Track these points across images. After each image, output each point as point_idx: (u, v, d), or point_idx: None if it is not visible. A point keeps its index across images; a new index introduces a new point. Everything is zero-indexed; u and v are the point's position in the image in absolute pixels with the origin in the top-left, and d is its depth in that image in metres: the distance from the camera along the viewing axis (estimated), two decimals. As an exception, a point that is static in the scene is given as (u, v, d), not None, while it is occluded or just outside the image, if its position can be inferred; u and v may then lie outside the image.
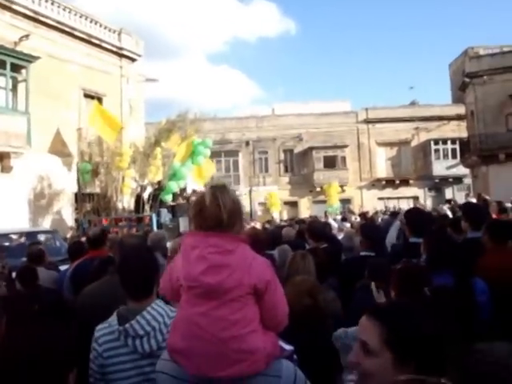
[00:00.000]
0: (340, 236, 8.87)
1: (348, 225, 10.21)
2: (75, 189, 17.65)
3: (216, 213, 2.04)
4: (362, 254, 5.03)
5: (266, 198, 31.42)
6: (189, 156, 16.04)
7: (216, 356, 1.93)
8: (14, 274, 5.41)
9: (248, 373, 1.93)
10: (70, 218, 17.92)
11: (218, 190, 2.10)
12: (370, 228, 5.25)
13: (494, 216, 6.97)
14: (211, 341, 1.94)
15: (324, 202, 32.55)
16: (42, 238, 11.75)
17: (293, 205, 35.30)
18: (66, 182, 17.56)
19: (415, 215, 4.70)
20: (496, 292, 3.45)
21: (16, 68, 16.17)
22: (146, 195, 16.09)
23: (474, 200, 13.38)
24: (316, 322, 2.88)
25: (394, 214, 8.67)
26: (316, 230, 5.41)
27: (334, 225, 10.65)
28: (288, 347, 2.18)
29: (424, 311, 1.54)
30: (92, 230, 5.88)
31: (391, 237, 5.51)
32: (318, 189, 34.37)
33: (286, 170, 36.37)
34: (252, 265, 2.01)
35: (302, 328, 2.78)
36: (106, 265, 3.64)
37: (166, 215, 16.22)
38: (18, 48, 16.41)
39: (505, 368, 2.02)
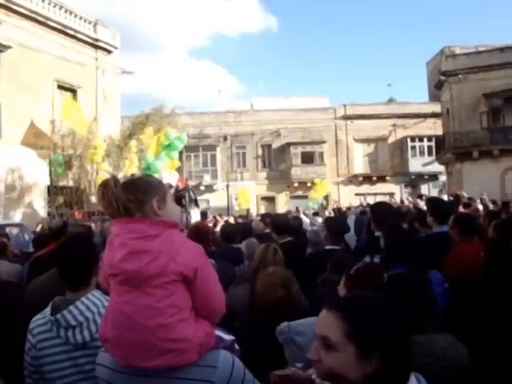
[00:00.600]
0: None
1: (320, 220, 10.22)
2: (48, 181, 17.35)
3: (124, 195, 2.00)
4: (327, 247, 5.03)
5: (237, 194, 31.18)
6: (162, 149, 15.86)
7: (144, 346, 1.87)
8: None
9: (178, 363, 1.87)
10: (42, 211, 17.62)
11: (110, 182, 2.05)
12: (335, 222, 5.24)
13: (461, 210, 7.04)
14: (138, 330, 1.88)
15: (302, 197, 32.63)
16: (11, 231, 11.54)
17: (270, 200, 35.32)
18: (39, 175, 17.24)
19: (379, 209, 4.69)
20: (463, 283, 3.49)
21: (-14, 57, 15.83)
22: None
23: (445, 197, 13.52)
24: (290, 313, 2.84)
25: (364, 213, 8.73)
26: (279, 223, 5.37)
27: (306, 220, 10.65)
28: (228, 337, 2.13)
29: (385, 301, 1.48)
30: (53, 222, 5.76)
31: (350, 232, 5.51)
32: (296, 184, 34.44)
33: (264, 166, 36.32)
34: (179, 251, 1.94)
35: (277, 319, 2.74)
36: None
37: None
38: (-11, 37, 16.06)
39: (443, 358, 2.02)
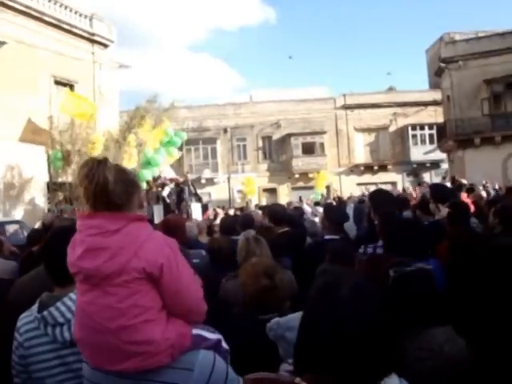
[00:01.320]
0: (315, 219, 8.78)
1: (321, 209, 10.11)
2: (47, 178, 17.26)
3: (96, 191, 1.83)
4: (326, 237, 4.93)
5: (242, 183, 31.21)
6: (161, 145, 15.85)
7: (109, 348, 1.77)
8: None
9: (147, 366, 1.76)
10: (42, 208, 17.54)
11: (97, 165, 1.86)
12: (334, 211, 5.14)
13: (463, 198, 6.92)
14: (101, 331, 1.78)
15: (303, 188, 32.57)
16: (9, 228, 11.50)
17: (272, 192, 35.23)
18: (38, 171, 17.15)
19: (380, 197, 4.58)
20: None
21: (-19, 54, 15.69)
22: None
23: (448, 184, 13.38)
24: (275, 303, 2.75)
25: (363, 201, 8.61)
26: (275, 213, 5.27)
27: (308, 209, 10.55)
28: (212, 336, 2.02)
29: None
30: (46, 217, 5.67)
31: (349, 222, 5.41)
32: (297, 175, 34.32)
33: (265, 157, 36.22)
34: (142, 246, 1.80)
35: (261, 309, 2.67)
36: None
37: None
38: (-16, 33, 15.91)
39: (440, 353, 1.94)
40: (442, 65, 28.00)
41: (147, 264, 1.77)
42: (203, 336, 1.98)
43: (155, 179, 17.64)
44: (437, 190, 4.96)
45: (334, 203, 12.39)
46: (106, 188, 1.83)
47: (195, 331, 1.94)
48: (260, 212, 8.14)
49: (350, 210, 7.00)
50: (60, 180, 17.10)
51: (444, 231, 4.13)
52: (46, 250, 2.43)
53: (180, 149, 33.14)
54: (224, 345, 2.06)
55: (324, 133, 34.96)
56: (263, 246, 3.69)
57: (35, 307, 2.29)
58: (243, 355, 2.19)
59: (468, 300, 2.50)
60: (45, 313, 2.21)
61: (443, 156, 31.38)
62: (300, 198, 19.67)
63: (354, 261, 3.88)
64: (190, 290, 1.92)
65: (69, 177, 17.55)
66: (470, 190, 8.80)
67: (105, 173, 1.84)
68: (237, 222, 6.19)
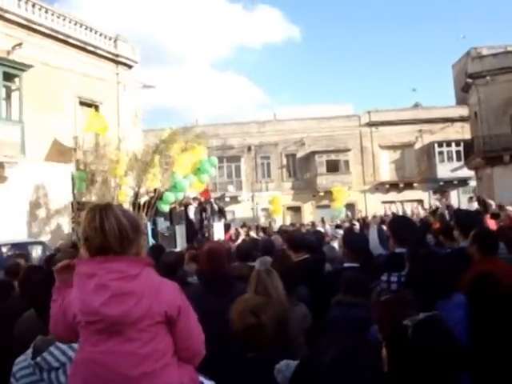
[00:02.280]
0: (334, 244, 8.59)
1: (341, 232, 9.91)
2: (71, 198, 17.43)
3: (100, 239, 1.77)
4: (345, 265, 4.76)
5: (269, 201, 31.07)
6: (193, 172, 16.00)
7: None
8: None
9: None
10: (66, 228, 17.70)
11: (101, 212, 1.83)
12: (353, 239, 4.96)
13: (488, 222, 6.64)
14: (119, 381, 1.68)
15: (328, 206, 32.26)
16: (32, 249, 11.58)
17: (296, 210, 35.04)
18: (63, 192, 17.34)
19: (399, 224, 4.40)
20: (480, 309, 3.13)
21: (9, 77, 16.00)
22: (142, 203, 15.90)
23: (475, 204, 13.01)
24: (261, 341, 2.60)
25: (383, 222, 8.39)
26: (295, 240, 5.12)
27: (329, 232, 10.35)
28: (209, 382, 1.99)
29: None
30: (62, 243, 5.61)
31: (374, 243, 5.22)
32: (322, 193, 34.07)
33: (289, 175, 36.11)
34: (160, 290, 1.78)
35: (249, 348, 2.58)
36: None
37: (162, 223, 16.01)
38: (11, 57, 16.23)
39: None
40: (469, 80, 27.58)
41: (168, 307, 1.77)
42: (202, 381, 1.96)
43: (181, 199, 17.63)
44: (461, 217, 4.72)
45: (358, 225, 12.12)
46: (122, 233, 1.81)
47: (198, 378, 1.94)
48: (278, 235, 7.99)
49: (373, 230, 6.80)
50: (84, 200, 17.24)
51: (470, 260, 3.90)
52: (37, 296, 2.33)
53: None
54: None
55: (348, 150, 34.71)
56: (274, 279, 3.57)
57: (29, 352, 2.20)
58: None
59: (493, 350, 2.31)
60: (38, 359, 2.14)
61: (471, 173, 30.75)
62: (322, 219, 19.35)
63: (369, 291, 3.72)
64: (198, 332, 1.92)
65: (93, 197, 17.71)
66: (496, 215, 8.41)
67: (118, 218, 1.82)
68: (255, 248, 6.07)
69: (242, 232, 14.78)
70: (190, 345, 1.86)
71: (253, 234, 13.78)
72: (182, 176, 16.14)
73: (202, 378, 1.96)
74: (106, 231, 1.78)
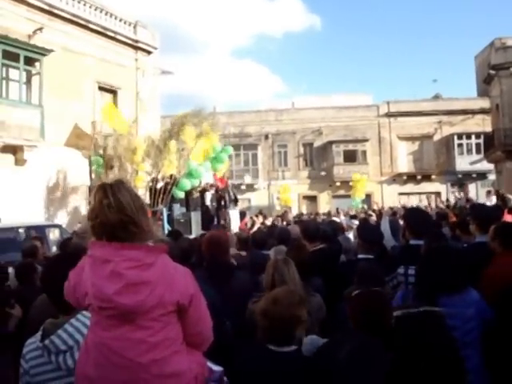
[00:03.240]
0: (349, 234, 8.55)
1: (357, 222, 9.85)
2: (89, 182, 17.61)
3: (116, 215, 1.75)
4: (360, 256, 4.74)
5: (280, 190, 30.97)
6: (208, 160, 16.04)
7: (137, 383, 1.69)
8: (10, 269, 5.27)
9: None
10: (83, 212, 17.90)
11: (114, 188, 1.80)
12: (367, 230, 4.93)
13: (506, 215, 6.55)
14: (129, 367, 1.70)
15: (344, 196, 32.14)
16: (49, 232, 11.71)
17: (312, 199, 34.95)
18: (81, 176, 17.53)
19: (414, 216, 4.37)
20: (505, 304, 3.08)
21: (30, 61, 16.14)
22: (158, 188, 16.01)
23: (494, 199, 12.84)
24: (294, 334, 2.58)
25: (395, 214, 8.32)
26: (309, 230, 5.11)
27: (344, 222, 10.30)
28: (217, 368, 1.99)
29: None
30: (80, 226, 5.66)
31: (386, 235, 5.18)
32: (338, 183, 33.93)
33: (306, 164, 35.97)
34: (174, 278, 1.77)
35: (274, 340, 2.48)
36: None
37: (178, 210, 16.09)
38: (33, 41, 16.36)
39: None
40: (492, 72, 27.08)
41: (181, 296, 1.76)
42: (210, 367, 1.96)
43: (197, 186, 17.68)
44: (478, 211, 4.66)
45: (375, 216, 12.03)
46: (137, 207, 1.80)
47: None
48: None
49: (385, 222, 6.76)
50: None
51: (490, 256, 3.83)
52: (45, 280, 2.36)
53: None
54: (225, 377, 2.04)
55: (366, 140, 34.44)
56: (291, 268, 3.55)
57: (39, 335, 2.24)
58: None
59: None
60: (46, 341, 2.16)
61: (490, 166, 30.33)
62: (337, 209, 19.16)
63: (384, 283, 3.69)
64: (208, 318, 1.93)
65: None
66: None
67: (132, 192, 1.83)
68: (270, 236, 6.08)
69: (257, 221, 14.77)
70: (200, 331, 1.87)
71: (268, 222, 13.74)
72: (197, 163, 16.20)
73: (210, 364, 1.97)
74: (122, 206, 1.76)
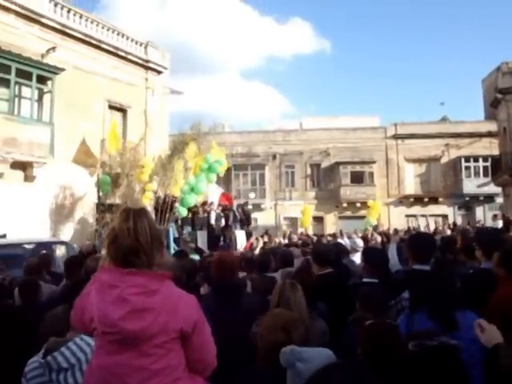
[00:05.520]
0: (354, 257, 8.54)
1: (362, 244, 9.84)
2: (96, 199, 17.70)
3: (132, 240, 1.80)
4: (365, 280, 4.73)
5: (301, 211, 30.78)
6: (202, 171, 16.02)
7: None
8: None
9: None
10: (90, 229, 17.96)
11: (135, 214, 1.84)
12: (373, 253, 4.93)
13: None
14: None
15: (350, 217, 32.09)
16: (55, 248, 11.74)
17: (319, 220, 34.83)
18: (88, 192, 17.64)
19: (417, 241, 4.37)
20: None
21: (42, 79, 16.39)
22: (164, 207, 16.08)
23: (500, 223, 12.78)
24: None
25: (404, 241, 8.28)
26: (321, 254, 5.03)
27: (348, 244, 10.28)
28: None
29: None
30: (84, 245, 5.70)
31: (393, 260, 5.18)
32: (345, 204, 33.87)
33: (313, 185, 35.97)
34: (178, 305, 1.78)
35: (275, 364, 2.51)
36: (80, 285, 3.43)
37: (184, 229, 16.11)
38: (45, 60, 16.65)
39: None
40: (499, 95, 27.16)
41: (184, 323, 1.77)
42: None
43: (203, 204, 17.73)
44: (483, 236, 4.66)
45: (380, 238, 12.00)
46: (152, 237, 1.83)
47: None
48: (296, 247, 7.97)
49: (393, 247, 6.75)
50: (108, 202, 17.52)
51: (496, 282, 3.82)
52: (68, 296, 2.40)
53: (228, 174, 33.64)
54: None
55: (373, 162, 34.45)
56: (298, 293, 3.53)
57: (41, 353, 2.26)
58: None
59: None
60: (48, 358, 2.18)
61: (498, 190, 30.18)
62: (341, 231, 19.01)
63: (386, 308, 3.69)
64: (211, 345, 1.92)
65: (117, 199, 17.96)
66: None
67: (151, 222, 1.85)
68: (273, 258, 6.05)
69: (261, 241, 14.73)
70: (203, 357, 1.86)
71: (277, 241, 13.62)
72: (195, 179, 16.27)
73: None
74: (138, 232, 1.80)
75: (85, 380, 1.89)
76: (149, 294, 1.75)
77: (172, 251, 11.74)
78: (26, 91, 16.12)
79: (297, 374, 2.13)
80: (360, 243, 10.37)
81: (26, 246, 10.95)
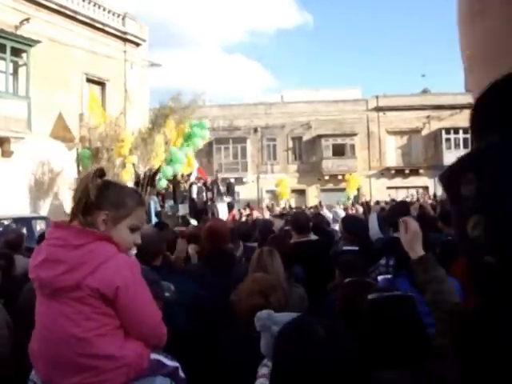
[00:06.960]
0: (336, 227, 8.62)
1: (343, 214, 9.91)
2: (76, 174, 17.51)
3: (81, 195, 1.86)
4: (345, 248, 4.78)
5: (276, 184, 31.02)
6: (183, 138, 15.91)
7: (62, 361, 1.74)
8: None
9: (98, 383, 1.73)
10: (69, 204, 17.80)
11: (95, 174, 1.89)
12: (352, 222, 4.97)
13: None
14: (57, 343, 1.75)
15: (332, 190, 32.30)
16: (35, 224, 11.65)
17: (301, 193, 34.99)
18: (67, 168, 17.44)
19: (395, 209, 4.42)
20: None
21: (16, 52, 15.99)
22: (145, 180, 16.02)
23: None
24: None
25: (384, 209, 8.39)
26: (299, 222, 5.10)
27: (329, 215, 10.36)
28: (171, 363, 1.97)
29: None
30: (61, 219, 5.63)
31: (374, 229, 5.23)
32: (327, 177, 34.02)
33: (295, 158, 35.97)
34: (100, 267, 1.76)
35: (252, 328, 2.54)
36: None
37: (156, 203, 16.01)
38: (19, 32, 16.18)
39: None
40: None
41: (101, 285, 1.75)
42: (162, 362, 1.95)
43: (184, 177, 17.67)
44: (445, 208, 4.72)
45: (362, 208, 12.11)
46: (87, 199, 1.84)
47: (154, 356, 1.91)
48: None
49: (373, 217, 6.83)
50: (88, 177, 17.34)
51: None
52: None
53: (210, 148, 33.49)
54: (181, 373, 2.03)
55: (355, 135, 34.51)
56: (276, 259, 3.56)
57: None
58: (233, 372, 2.17)
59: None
60: None
61: (478, 161, 30.50)
62: (320, 202, 19.10)
63: (365, 274, 3.72)
64: (147, 313, 1.89)
65: (97, 174, 17.78)
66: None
67: (89, 184, 1.85)
68: (254, 229, 6.10)
69: (244, 213, 14.79)
70: (137, 324, 1.85)
71: (267, 215, 13.69)
72: (177, 148, 16.15)
73: (162, 358, 1.95)
74: (90, 190, 1.85)
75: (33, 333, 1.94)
76: (68, 248, 1.77)
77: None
78: (0, 64, 15.71)
79: (272, 337, 2.14)
80: (342, 213, 10.43)
81: (5, 222, 10.84)
